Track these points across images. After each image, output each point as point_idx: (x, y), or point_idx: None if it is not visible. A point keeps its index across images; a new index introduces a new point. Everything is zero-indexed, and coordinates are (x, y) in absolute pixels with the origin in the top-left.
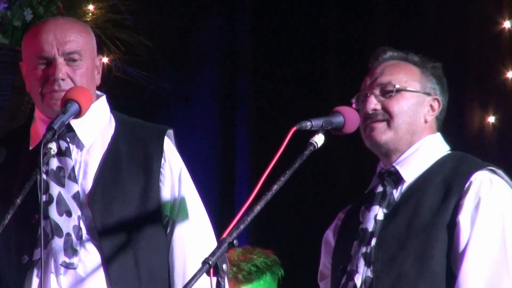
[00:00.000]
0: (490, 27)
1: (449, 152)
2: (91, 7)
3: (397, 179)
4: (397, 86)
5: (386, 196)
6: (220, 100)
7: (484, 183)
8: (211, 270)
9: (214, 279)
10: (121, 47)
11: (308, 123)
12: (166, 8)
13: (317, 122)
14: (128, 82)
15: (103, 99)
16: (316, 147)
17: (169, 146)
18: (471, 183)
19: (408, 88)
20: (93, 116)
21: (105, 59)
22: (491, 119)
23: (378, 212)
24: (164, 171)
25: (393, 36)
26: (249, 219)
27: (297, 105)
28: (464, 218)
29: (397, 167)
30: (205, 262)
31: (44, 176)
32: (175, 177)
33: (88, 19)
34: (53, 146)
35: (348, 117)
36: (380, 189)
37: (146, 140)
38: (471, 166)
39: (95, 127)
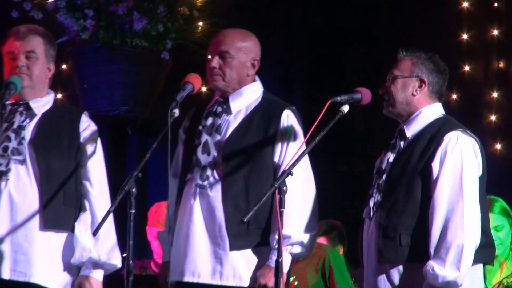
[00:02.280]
0: (454, 37)
1: (441, 116)
2: (200, 23)
3: (403, 135)
4: (392, 75)
5: (396, 146)
6: (276, 84)
7: (452, 140)
8: (276, 190)
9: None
10: None
11: (339, 98)
12: (246, 24)
13: (344, 97)
14: None
15: (255, 83)
16: (343, 113)
17: (287, 116)
18: (443, 140)
19: (398, 76)
20: (244, 93)
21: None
22: (454, 96)
23: (390, 157)
24: (279, 133)
25: (394, 42)
26: (300, 158)
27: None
28: (435, 164)
29: (404, 127)
30: (272, 185)
31: (200, 127)
32: (285, 138)
33: (199, 31)
34: (176, 111)
35: (363, 94)
36: (393, 141)
37: (273, 112)
38: (448, 128)
39: (243, 100)
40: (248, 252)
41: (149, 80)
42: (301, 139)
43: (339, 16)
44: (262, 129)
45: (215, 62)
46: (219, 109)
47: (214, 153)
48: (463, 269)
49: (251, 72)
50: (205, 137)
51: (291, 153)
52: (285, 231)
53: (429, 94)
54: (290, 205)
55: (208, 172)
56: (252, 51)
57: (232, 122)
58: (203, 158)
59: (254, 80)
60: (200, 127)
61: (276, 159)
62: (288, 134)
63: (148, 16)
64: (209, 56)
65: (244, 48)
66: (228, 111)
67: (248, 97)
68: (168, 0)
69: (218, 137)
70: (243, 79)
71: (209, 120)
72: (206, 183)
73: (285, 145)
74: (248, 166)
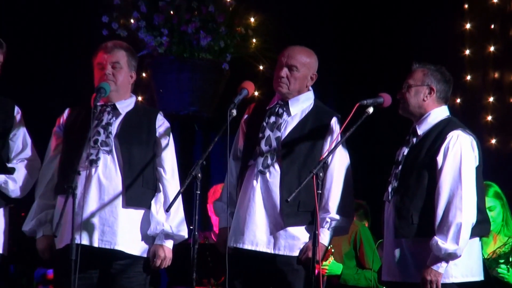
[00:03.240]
0: (458, 52)
1: (447, 117)
2: (254, 40)
3: (416, 132)
4: (407, 84)
5: (409, 142)
6: (315, 91)
7: (453, 138)
8: (314, 176)
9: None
10: (270, 63)
11: (365, 101)
12: (288, 41)
13: (369, 101)
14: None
15: (310, 92)
16: (369, 114)
17: (335, 123)
18: (446, 138)
19: (412, 85)
20: (301, 99)
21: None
22: (458, 100)
23: (405, 150)
24: (326, 136)
25: (410, 56)
26: (332, 152)
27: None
28: (439, 157)
29: (416, 126)
30: (310, 171)
31: (264, 124)
32: (331, 139)
33: (253, 47)
34: (234, 111)
35: (385, 98)
36: (408, 137)
37: (324, 118)
38: (450, 128)
39: (300, 106)
40: (298, 229)
41: (212, 86)
42: (341, 145)
43: (365, 36)
44: (314, 130)
45: (284, 72)
46: (280, 110)
47: (274, 145)
48: (461, 243)
49: (310, 83)
50: (268, 132)
51: (336, 155)
52: (332, 215)
53: (437, 99)
54: (336, 195)
55: (269, 161)
56: (313, 67)
57: (290, 122)
58: (266, 149)
59: (309, 90)
60: (264, 124)
61: (323, 155)
62: (334, 137)
63: (212, 34)
64: (278, 65)
65: (308, 64)
66: (288, 112)
67: (303, 103)
68: (228, 21)
69: (278, 133)
70: (302, 89)
71: (272, 119)
72: (266, 170)
73: (330, 148)
74: (302, 159)
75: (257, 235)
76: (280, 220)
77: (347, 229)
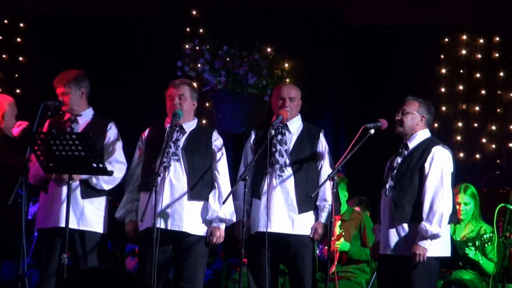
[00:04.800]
0: (436, 90)
1: (429, 136)
2: (288, 80)
3: (407, 147)
4: (405, 111)
5: (402, 153)
6: (331, 117)
7: (437, 151)
8: (330, 178)
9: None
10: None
11: (368, 125)
12: (313, 80)
13: (371, 124)
14: None
15: (299, 115)
16: (371, 134)
17: (322, 136)
18: (431, 151)
19: (409, 112)
20: (295, 120)
21: None
22: (436, 125)
23: (398, 159)
24: (318, 147)
25: (403, 92)
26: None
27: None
28: (426, 165)
29: (407, 142)
30: (328, 175)
31: (275, 141)
32: (323, 151)
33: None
34: (272, 131)
35: (383, 123)
36: (400, 150)
37: (314, 133)
38: (433, 144)
39: (295, 125)
40: (307, 214)
41: (256, 113)
42: (328, 150)
43: (370, 78)
44: (310, 143)
45: (288, 103)
46: (283, 130)
47: (286, 156)
48: (442, 227)
49: (298, 109)
50: (278, 146)
51: (326, 158)
52: (330, 202)
53: (424, 124)
54: (328, 188)
55: (284, 168)
56: (300, 97)
57: (292, 138)
58: (280, 159)
59: (298, 114)
60: (274, 141)
61: (317, 163)
62: (324, 148)
63: (257, 75)
64: (280, 98)
65: (299, 95)
66: (288, 131)
67: (297, 123)
68: (269, 66)
69: (286, 147)
70: (296, 113)
71: (279, 136)
72: (283, 174)
73: (322, 154)
74: (305, 164)
75: (279, 221)
76: (295, 209)
77: (338, 210)
